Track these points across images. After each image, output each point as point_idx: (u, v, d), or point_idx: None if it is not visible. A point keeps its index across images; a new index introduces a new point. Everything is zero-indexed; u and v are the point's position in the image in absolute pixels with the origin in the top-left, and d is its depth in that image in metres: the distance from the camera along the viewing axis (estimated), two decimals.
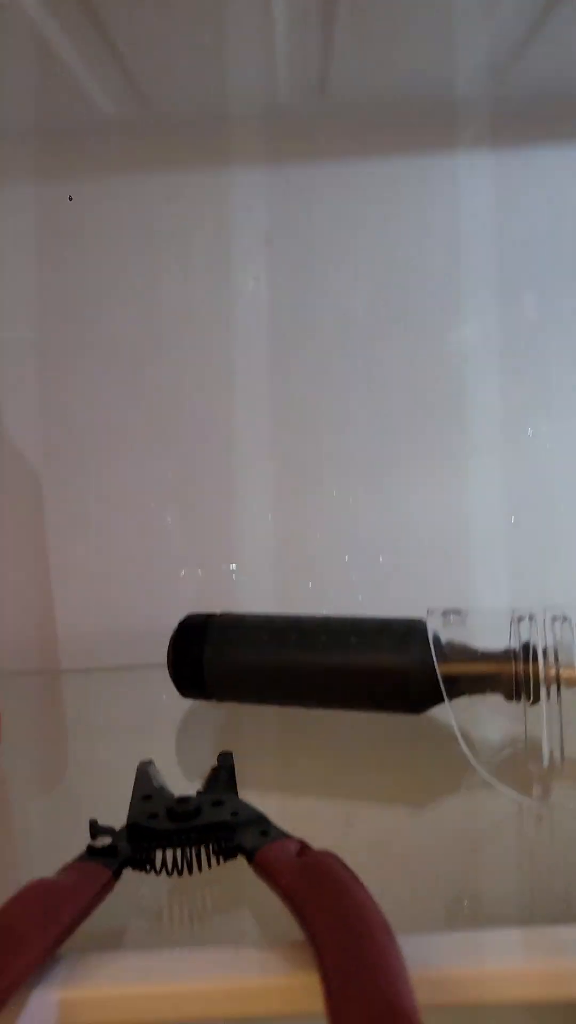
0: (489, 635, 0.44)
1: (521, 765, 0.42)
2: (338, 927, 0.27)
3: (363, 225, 0.60)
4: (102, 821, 0.35)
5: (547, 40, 0.48)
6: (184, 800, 0.37)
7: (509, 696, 0.44)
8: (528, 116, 0.58)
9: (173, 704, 0.53)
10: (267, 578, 0.62)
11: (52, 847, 0.40)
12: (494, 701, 0.44)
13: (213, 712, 0.53)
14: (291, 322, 0.60)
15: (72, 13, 0.42)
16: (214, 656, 0.50)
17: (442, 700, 0.47)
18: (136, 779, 0.41)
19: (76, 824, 0.42)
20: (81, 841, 0.34)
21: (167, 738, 0.51)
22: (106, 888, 0.32)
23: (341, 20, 0.44)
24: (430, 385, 0.61)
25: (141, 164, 0.58)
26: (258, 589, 0.62)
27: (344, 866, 0.30)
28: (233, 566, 0.62)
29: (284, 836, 0.34)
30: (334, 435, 0.62)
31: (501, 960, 0.28)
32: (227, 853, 0.34)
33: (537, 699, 0.43)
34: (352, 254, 0.60)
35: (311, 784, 0.45)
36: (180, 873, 0.34)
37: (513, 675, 0.43)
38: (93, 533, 0.61)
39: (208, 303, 0.60)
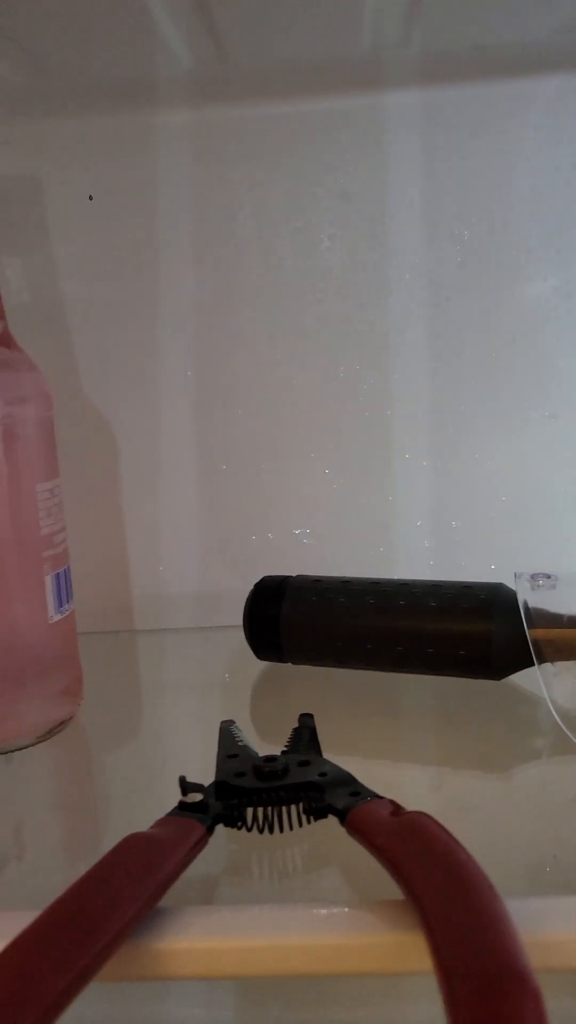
0: None
1: None
2: (442, 885, 0.27)
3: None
4: (178, 773, 0.35)
5: None
6: (271, 759, 0.37)
7: None
8: None
9: (247, 665, 0.53)
10: (338, 543, 0.61)
11: (132, 800, 0.42)
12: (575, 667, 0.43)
13: (286, 675, 0.53)
14: (363, 281, 0.59)
15: None
16: (291, 618, 0.50)
17: (523, 667, 0.47)
18: (220, 738, 0.41)
19: (153, 779, 0.43)
20: (159, 795, 0.35)
21: (242, 699, 0.51)
22: (201, 843, 0.32)
23: None
24: (506, 345, 0.60)
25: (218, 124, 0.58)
26: (328, 554, 0.61)
27: (441, 826, 0.30)
28: (307, 530, 0.61)
29: (375, 796, 0.34)
30: (405, 399, 0.61)
31: None
32: (318, 813, 0.34)
33: None
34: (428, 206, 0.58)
35: (390, 748, 0.45)
36: (272, 831, 0.34)
37: None
38: (166, 497, 0.61)
39: (285, 259, 0.59)
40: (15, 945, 0.25)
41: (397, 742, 0.45)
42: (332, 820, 0.34)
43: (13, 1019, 0.23)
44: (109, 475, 0.61)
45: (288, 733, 0.40)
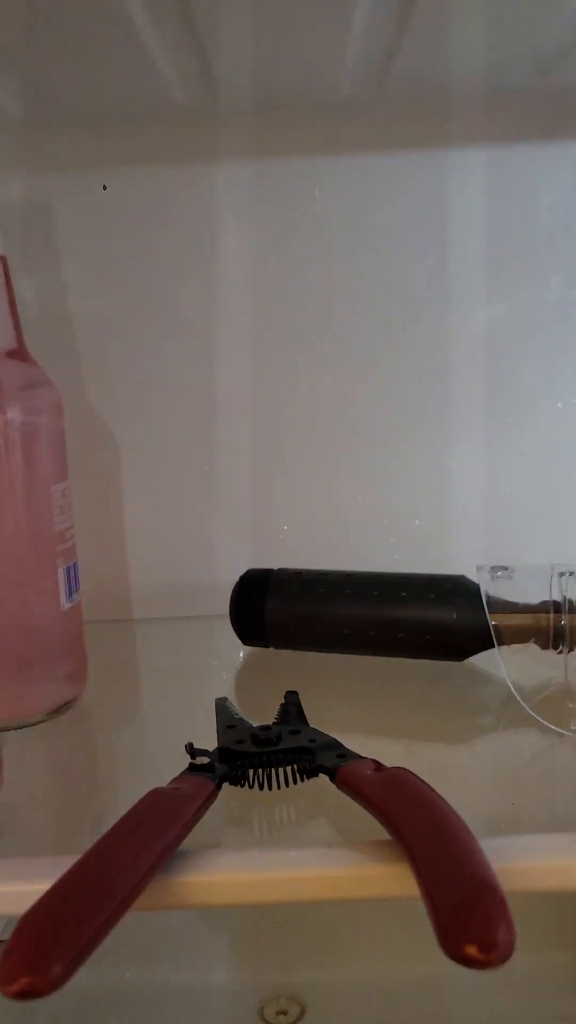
0: (531, 590, 0.49)
1: (559, 703, 0.47)
2: (422, 823, 0.32)
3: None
4: (176, 749, 0.40)
5: None
6: (265, 728, 0.42)
7: (546, 645, 0.49)
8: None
9: (233, 651, 0.58)
10: (313, 538, 0.67)
11: (133, 769, 0.47)
12: (533, 650, 0.49)
13: (268, 659, 0.58)
14: (333, 290, 0.64)
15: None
16: (275, 606, 0.55)
17: (482, 649, 0.53)
18: (217, 712, 0.46)
19: (151, 752, 0.48)
20: (157, 765, 0.39)
21: (229, 680, 0.56)
22: (211, 797, 0.37)
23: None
24: (465, 357, 0.65)
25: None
26: (305, 548, 0.66)
27: (419, 778, 0.35)
28: (284, 527, 0.66)
29: (360, 757, 0.39)
30: (372, 404, 0.66)
31: (553, 858, 0.33)
32: (310, 772, 0.40)
33: (572, 648, 0.48)
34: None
35: (366, 722, 0.50)
36: (270, 788, 0.40)
37: (551, 626, 0.48)
38: (161, 497, 0.66)
39: (266, 278, 0.64)
40: (63, 884, 0.29)
41: (372, 717, 0.50)
42: (320, 781, 0.39)
43: (62, 948, 0.27)
44: (111, 477, 0.65)
45: (273, 710, 0.45)
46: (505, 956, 0.26)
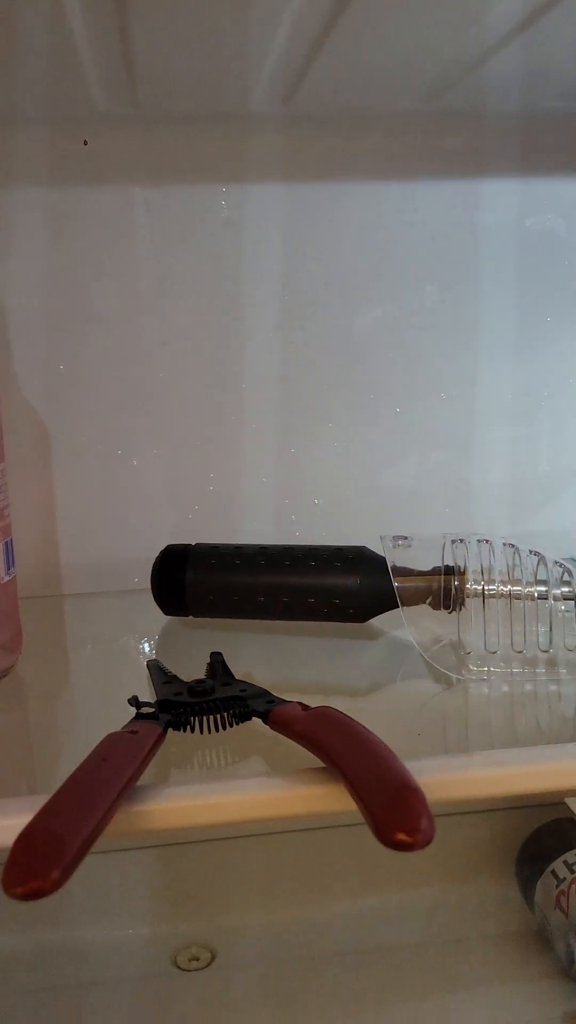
0: (426, 557, 0.56)
1: (450, 654, 0.54)
2: (349, 746, 0.38)
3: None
4: (105, 710, 0.45)
5: None
6: (200, 682, 0.47)
7: (438, 605, 0.56)
8: None
9: (154, 622, 0.63)
10: (223, 515, 0.72)
11: (67, 729, 0.51)
12: (428, 610, 0.56)
13: (189, 628, 0.63)
14: (243, 297, 0.70)
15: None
16: (195, 579, 0.60)
17: (383, 611, 0.59)
18: (151, 671, 0.51)
19: (83, 714, 0.52)
20: (90, 725, 0.44)
21: (152, 648, 0.61)
22: (160, 740, 0.42)
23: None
24: (356, 352, 0.72)
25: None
26: (215, 525, 0.72)
27: (342, 713, 0.41)
28: (196, 507, 0.71)
29: (287, 701, 0.45)
30: (277, 396, 0.72)
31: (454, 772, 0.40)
32: (245, 716, 0.45)
33: (462, 607, 0.55)
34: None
35: (282, 682, 0.55)
36: (211, 732, 0.45)
37: (443, 587, 0.55)
38: (89, 478, 0.71)
39: (175, 274, 0.69)
40: (49, 808, 0.34)
41: (287, 676, 0.56)
42: (252, 725, 0.44)
43: (57, 857, 0.32)
44: (42, 461, 0.69)
45: (197, 672, 0.50)
46: (428, 839, 0.32)
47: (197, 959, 0.74)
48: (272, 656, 0.59)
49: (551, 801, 0.78)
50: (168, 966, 0.74)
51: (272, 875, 0.77)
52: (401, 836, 0.32)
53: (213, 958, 0.75)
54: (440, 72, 0.59)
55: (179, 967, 0.74)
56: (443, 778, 0.40)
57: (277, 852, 0.77)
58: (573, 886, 0.68)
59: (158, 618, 0.63)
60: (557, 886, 0.70)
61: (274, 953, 0.75)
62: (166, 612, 0.62)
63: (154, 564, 0.62)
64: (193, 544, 0.62)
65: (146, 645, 0.61)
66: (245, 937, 0.77)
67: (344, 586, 0.59)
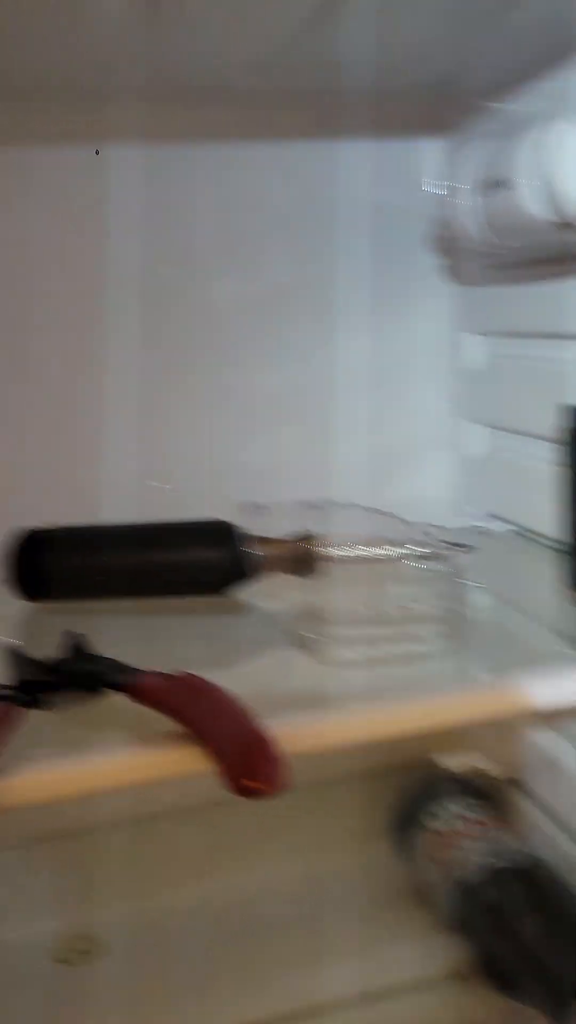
0: (282, 525, 0.57)
1: (307, 619, 0.56)
2: (205, 706, 0.39)
3: None
4: None
5: None
6: (60, 661, 0.47)
7: (297, 571, 0.57)
8: None
9: (13, 608, 0.62)
10: (80, 494, 0.71)
11: None
12: (286, 577, 0.57)
13: (50, 612, 0.62)
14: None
15: None
16: (54, 562, 0.59)
17: (242, 581, 0.60)
18: (9, 656, 0.50)
19: None
20: None
21: (13, 634, 0.59)
22: (20, 719, 0.41)
23: None
24: (200, 324, 0.73)
25: None
26: (72, 509, 0.71)
27: (200, 676, 0.42)
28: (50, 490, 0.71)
29: (147, 672, 0.45)
30: (130, 370, 0.72)
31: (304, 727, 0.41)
32: (106, 688, 0.45)
33: (321, 572, 0.56)
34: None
35: (144, 659, 0.55)
36: (70, 708, 0.44)
37: (299, 554, 0.56)
38: None
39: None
40: None
41: (149, 653, 0.55)
42: (115, 703, 0.44)
43: None
44: None
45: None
46: (280, 786, 0.33)
47: (88, 952, 0.74)
48: (140, 636, 0.58)
49: (423, 763, 0.80)
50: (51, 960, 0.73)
51: (153, 863, 0.77)
52: (252, 783, 0.33)
53: (99, 948, 0.74)
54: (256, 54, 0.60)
55: (66, 961, 0.73)
56: (298, 731, 0.40)
57: (150, 837, 0.76)
58: (443, 837, 0.71)
59: (18, 605, 0.62)
60: (429, 839, 0.72)
61: (160, 942, 0.75)
62: (27, 598, 0.61)
63: (10, 549, 0.60)
64: (49, 527, 0.61)
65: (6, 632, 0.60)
66: (131, 926, 0.76)
67: (206, 559, 0.59)
